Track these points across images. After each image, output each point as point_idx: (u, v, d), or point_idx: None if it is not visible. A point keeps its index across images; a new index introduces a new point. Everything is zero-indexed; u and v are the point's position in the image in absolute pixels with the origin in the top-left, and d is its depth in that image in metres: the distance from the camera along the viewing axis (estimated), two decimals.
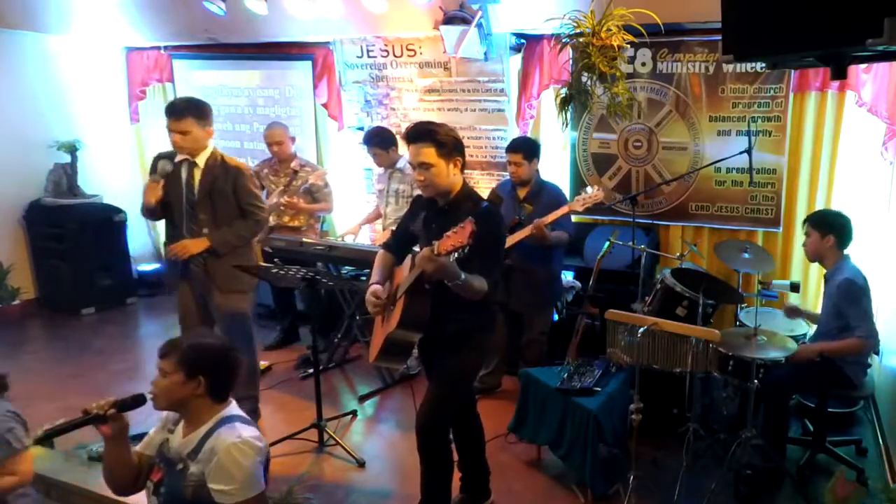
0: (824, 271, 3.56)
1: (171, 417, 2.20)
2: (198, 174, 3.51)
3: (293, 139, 4.95)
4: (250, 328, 3.77)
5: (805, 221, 3.48)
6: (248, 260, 3.69)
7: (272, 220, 4.85)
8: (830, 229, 3.32)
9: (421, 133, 2.70)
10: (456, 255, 2.39)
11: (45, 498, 2.98)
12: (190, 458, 2.06)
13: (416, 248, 2.80)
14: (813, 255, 3.46)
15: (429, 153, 2.65)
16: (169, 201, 3.57)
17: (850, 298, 3.20)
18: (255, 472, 2.04)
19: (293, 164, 4.88)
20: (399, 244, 2.97)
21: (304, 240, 4.62)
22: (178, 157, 3.55)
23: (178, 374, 2.06)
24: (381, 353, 2.83)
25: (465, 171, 2.85)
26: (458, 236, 2.33)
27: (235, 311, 3.65)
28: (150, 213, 3.64)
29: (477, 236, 2.37)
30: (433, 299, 2.66)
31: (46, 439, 2.11)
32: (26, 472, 2.50)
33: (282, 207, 4.83)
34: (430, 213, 2.83)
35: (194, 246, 3.51)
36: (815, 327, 3.67)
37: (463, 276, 2.48)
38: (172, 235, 3.67)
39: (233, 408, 2.16)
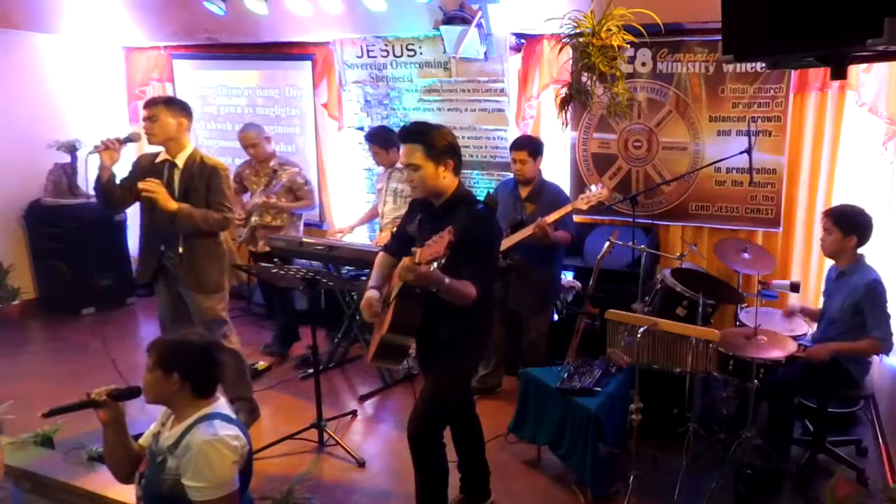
0: (825, 270, 3.56)
1: (167, 410, 2.23)
2: (177, 175, 3.51)
3: (268, 139, 4.88)
4: (226, 329, 3.73)
5: (826, 216, 3.39)
6: (218, 261, 3.66)
7: (254, 220, 4.81)
8: (854, 230, 3.26)
9: (411, 133, 2.70)
10: (436, 264, 2.38)
11: (40, 497, 2.98)
12: (170, 451, 2.08)
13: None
14: (832, 253, 3.39)
15: (416, 154, 2.64)
16: (150, 198, 3.50)
17: (876, 299, 3.17)
18: (228, 472, 2.05)
19: (272, 164, 4.85)
20: (398, 245, 2.95)
21: (305, 240, 4.62)
22: (160, 158, 3.54)
23: (157, 371, 2.10)
24: (376, 354, 2.83)
25: (466, 172, 2.84)
26: (436, 246, 2.33)
27: (209, 312, 3.63)
28: (103, 191, 3.50)
29: (465, 242, 2.37)
30: (426, 304, 2.65)
31: (51, 416, 2.21)
32: None
33: (261, 207, 4.79)
34: (424, 216, 2.82)
35: (164, 198, 3.40)
36: (814, 325, 3.66)
37: (446, 280, 2.47)
38: (148, 232, 3.65)
39: (218, 405, 2.17)
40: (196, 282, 3.58)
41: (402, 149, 2.72)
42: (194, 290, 3.59)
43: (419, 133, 2.67)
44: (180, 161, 3.51)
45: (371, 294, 2.83)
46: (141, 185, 3.42)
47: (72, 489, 3.04)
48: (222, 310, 3.73)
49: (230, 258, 3.79)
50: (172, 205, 3.43)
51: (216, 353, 2.20)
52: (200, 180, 3.50)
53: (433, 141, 2.64)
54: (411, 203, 3.02)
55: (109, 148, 3.41)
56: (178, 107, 3.53)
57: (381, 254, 3.01)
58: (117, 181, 3.56)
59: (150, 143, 3.54)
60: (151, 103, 3.53)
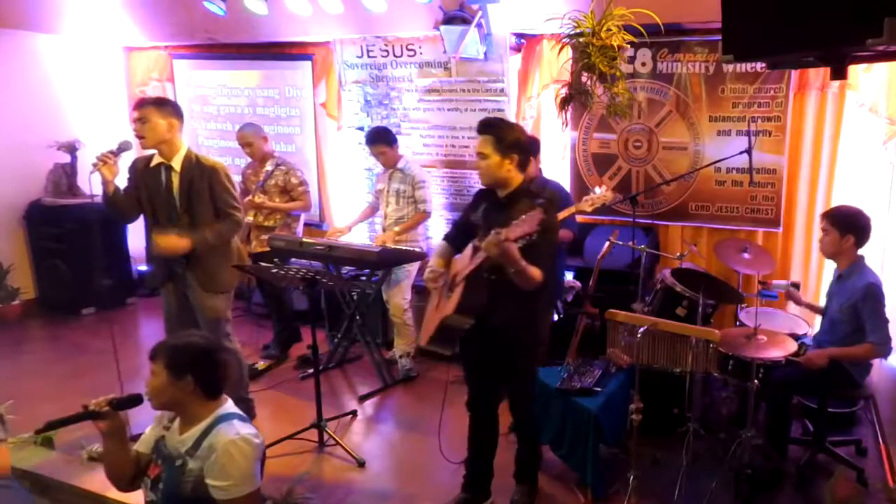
0: (823, 270, 3.56)
1: (165, 415, 2.24)
2: (175, 178, 3.49)
3: (265, 138, 4.87)
4: (228, 328, 3.74)
5: (824, 217, 3.40)
6: (228, 261, 3.67)
7: (247, 220, 4.76)
8: (851, 230, 3.26)
9: (486, 125, 2.89)
10: (523, 241, 2.52)
11: (40, 497, 2.98)
12: (189, 454, 2.11)
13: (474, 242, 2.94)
14: (830, 254, 3.40)
15: (486, 144, 2.82)
16: (151, 203, 3.54)
17: (873, 303, 3.17)
18: (252, 469, 2.10)
19: (268, 164, 4.85)
20: (458, 235, 3.10)
21: (305, 240, 4.61)
22: (154, 162, 3.53)
23: (166, 375, 2.10)
24: (434, 336, 2.94)
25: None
26: (526, 224, 2.47)
27: (214, 312, 3.63)
28: (112, 204, 3.54)
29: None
30: (492, 289, 2.77)
31: (47, 430, 2.14)
32: (1, 466, 2.45)
33: (247, 205, 4.75)
34: (489, 205, 2.95)
35: (179, 243, 3.44)
36: (814, 323, 3.65)
37: (522, 263, 2.59)
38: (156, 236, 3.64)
39: (229, 405, 2.22)
40: (208, 281, 3.58)
41: (478, 139, 2.88)
42: (205, 288, 3.58)
43: (493, 126, 2.87)
44: (176, 164, 3.48)
45: (437, 268, 2.99)
46: (157, 248, 3.45)
47: (72, 489, 3.04)
48: (227, 309, 3.74)
49: (238, 258, 3.79)
50: (187, 243, 3.44)
51: (221, 354, 2.24)
52: (202, 182, 3.48)
53: (503, 134, 2.82)
54: (476, 194, 3.16)
55: (106, 162, 3.42)
56: (168, 108, 3.49)
57: (442, 242, 3.17)
58: (121, 191, 3.58)
59: (143, 147, 3.50)
60: (141, 104, 3.49)
